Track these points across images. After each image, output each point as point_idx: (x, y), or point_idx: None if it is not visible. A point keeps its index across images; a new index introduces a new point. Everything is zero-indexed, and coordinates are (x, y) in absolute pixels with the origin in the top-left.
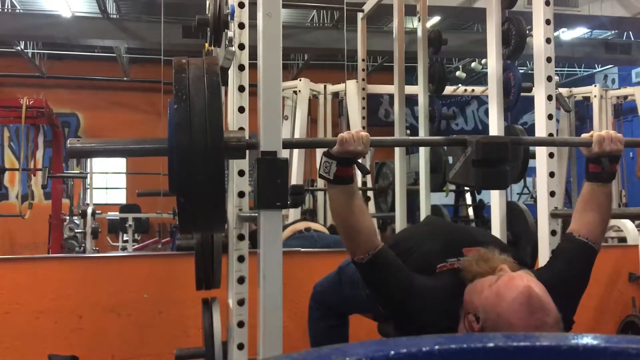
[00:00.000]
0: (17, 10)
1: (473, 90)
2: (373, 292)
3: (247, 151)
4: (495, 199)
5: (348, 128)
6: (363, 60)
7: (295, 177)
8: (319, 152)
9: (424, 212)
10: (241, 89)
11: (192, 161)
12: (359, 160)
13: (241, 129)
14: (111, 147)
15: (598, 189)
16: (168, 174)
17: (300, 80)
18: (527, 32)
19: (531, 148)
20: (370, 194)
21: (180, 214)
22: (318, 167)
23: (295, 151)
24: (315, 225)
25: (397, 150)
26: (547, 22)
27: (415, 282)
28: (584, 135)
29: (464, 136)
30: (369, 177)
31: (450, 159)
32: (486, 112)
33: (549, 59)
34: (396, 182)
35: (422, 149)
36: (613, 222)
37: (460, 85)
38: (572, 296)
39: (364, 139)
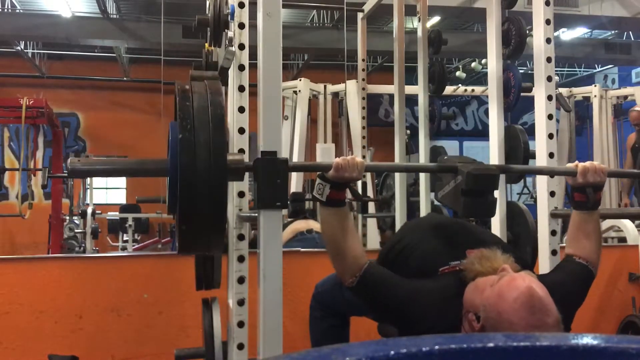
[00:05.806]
0: (17, 10)
1: (473, 90)
2: (373, 310)
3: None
4: None
5: (348, 128)
6: (363, 60)
7: (295, 178)
8: (320, 152)
9: (424, 213)
10: (241, 89)
11: (195, 186)
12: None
13: (241, 129)
14: (111, 167)
15: (586, 218)
16: (167, 195)
17: (300, 80)
18: (527, 32)
19: (531, 148)
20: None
21: (179, 237)
22: (313, 190)
23: (295, 152)
24: (317, 226)
25: (397, 151)
26: (547, 22)
27: (411, 288)
28: (569, 165)
29: (456, 163)
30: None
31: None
32: (486, 112)
33: (549, 59)
34: (396, 184)
35: (422, 150)
36: (613, 222)
37: (460, 85)
38: (568, 306)
39: (359, 165)
